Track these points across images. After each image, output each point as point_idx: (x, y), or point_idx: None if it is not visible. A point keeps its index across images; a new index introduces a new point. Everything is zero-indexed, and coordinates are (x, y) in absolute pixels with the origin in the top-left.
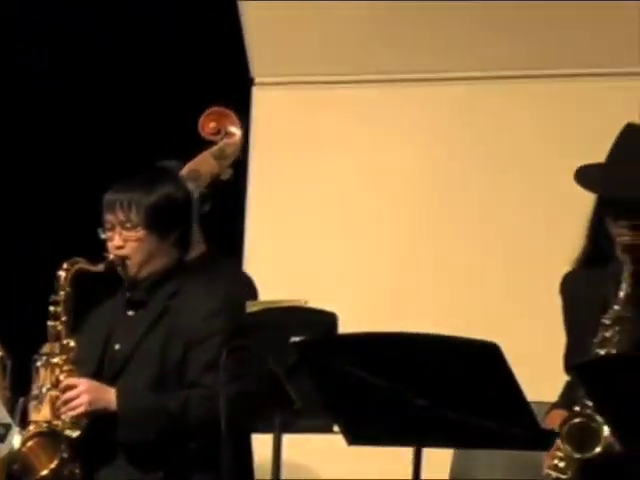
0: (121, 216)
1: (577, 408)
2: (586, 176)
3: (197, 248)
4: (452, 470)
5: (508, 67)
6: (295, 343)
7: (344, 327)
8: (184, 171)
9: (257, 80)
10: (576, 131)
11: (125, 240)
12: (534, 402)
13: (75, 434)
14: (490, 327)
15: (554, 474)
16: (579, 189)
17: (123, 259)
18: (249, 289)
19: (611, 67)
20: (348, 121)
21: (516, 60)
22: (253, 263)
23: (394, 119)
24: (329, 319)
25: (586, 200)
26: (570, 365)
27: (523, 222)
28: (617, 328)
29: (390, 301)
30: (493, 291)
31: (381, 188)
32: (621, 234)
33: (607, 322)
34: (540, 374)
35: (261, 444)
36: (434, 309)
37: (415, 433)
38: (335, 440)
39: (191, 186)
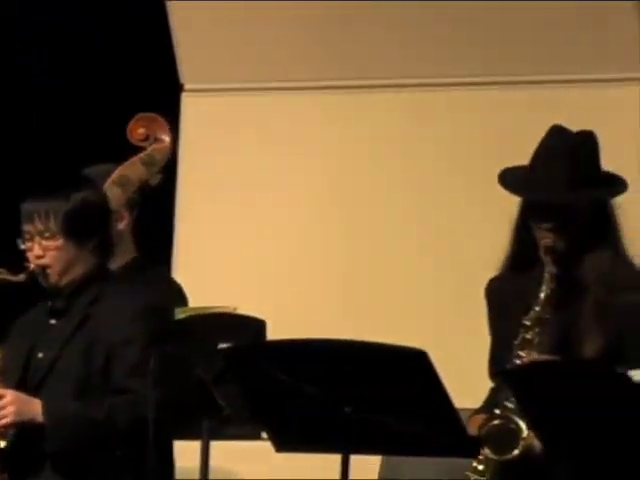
0: (40, 226)
1: (497, 411)
2: (510, 179)
3: (126, 254)
4: (381, 471)
5: (434, 75)
6: (222, 349)
7: (273, 334)
8: (113, 177)
9: (186, 87)
10: (508, 136)
11: (45, 249)
12: (462, 409)
13: (2, 445)
14: (418, 334)
15: (473, 476)
16: (505, 192)
17: (44, 268)
18: (178, 296)
19: (550, 74)
20: (276, 127)
21: (446, 67)
22: (182, 269)
23: (319, 124)
24: (257, 325)
25: (513, 203)
26: (495, 371)
27: (450, 226)
28: (537, 329)
29: (320, 307)
30: (422, 297)
31: (309, 191)
32: (544, 237)
33: (527, 323)
34: (469, 381)
35: (189, 451)
36: (362, 315)
37: (343, 440)
38: (263, 447)
39: (119, 191)
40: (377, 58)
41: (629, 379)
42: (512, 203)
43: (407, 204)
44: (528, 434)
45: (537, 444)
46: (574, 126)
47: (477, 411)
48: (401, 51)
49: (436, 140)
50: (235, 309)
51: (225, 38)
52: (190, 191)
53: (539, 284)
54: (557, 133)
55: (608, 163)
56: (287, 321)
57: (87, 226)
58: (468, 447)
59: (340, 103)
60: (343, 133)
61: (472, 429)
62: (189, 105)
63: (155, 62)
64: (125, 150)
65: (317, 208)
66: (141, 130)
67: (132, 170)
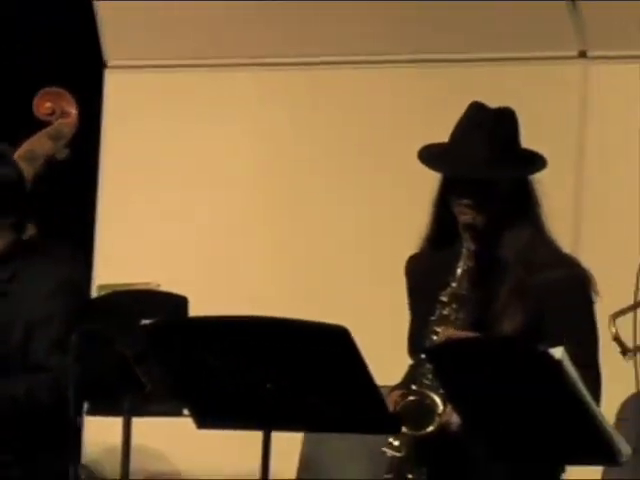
0: None
1: (414, 387)
2: (429, 155)
3: (29, 230)
4: (302, 453)
5: (354, 52)
6: (144, 326)
7: (196, 310)
8: (19, 152)
9: (109, 63)
10: (423, 115)
11: None
12: (384, 386)
13: None
14: (340, 311)
15: (390, 452)
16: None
17: None
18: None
19: (464, 53)
20: (199, 104)
21: (364, 45)
22: (106, 246)
23: (242, 103)
24: (179, 302)
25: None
26: (414, 349)
27: (372, 206)
28: (454, 306)
29: (243, 286)
30: (343, 274)
31: (231, 172)
32: (463, 213)
33: (444, 299)
34: (391, 358)
35: (111, 427)
36: (284, 293)
37: (264, 417)
38: (185, 423)
39: (26, 166)
40: (296, 36)
41: (550, 356)
42: (432, 181)
43: (329, 184)
44: (444, 410)
45: (454, 420)
46: (505, 103)
47: (395, 387)
48: (318, 29)
49: (358, 120)
50: (158, 285)
51: (149, 15)
52: (112, 167)
53: (458, 260)
54: (476, 109)
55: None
56: (209, 298)
57: (5, 203)
58: (389, 424)
59: (261, 81)
60: (267, 112)
61: (389, 405)
62: (112, 82)
63: (78, 39)
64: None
65: (240, 187)
66: (47, 105)
67: (39, 144)
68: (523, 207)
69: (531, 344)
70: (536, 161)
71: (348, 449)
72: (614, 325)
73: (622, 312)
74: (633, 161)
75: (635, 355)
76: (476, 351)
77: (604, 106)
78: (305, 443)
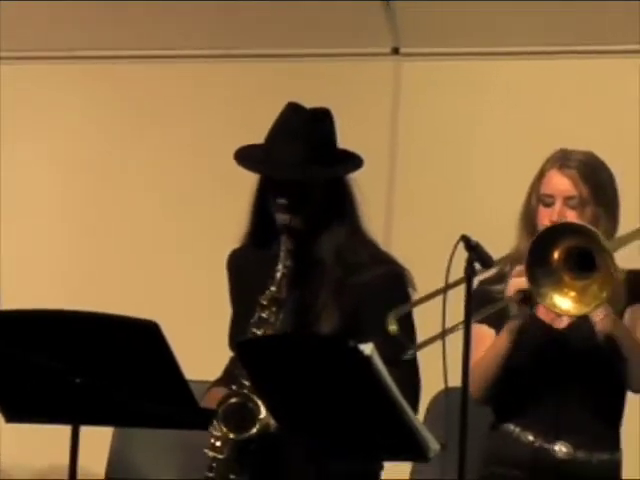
0: None
1: (234, 387)
2: (246, 156)
3: None
4: (111, 449)
5: (168, 47)
6: None
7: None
8: None
9: None
10: (240, 112)
11: None
12: (196, 381)
13: None
14: (154, 306)
15: (211, 453)
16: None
17: None
18: None
19: (270, 48)
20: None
21: (176, 40)
22: None
23: (51, 96)
24: None
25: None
26: (233, 343)
27: (191, 198)
28: (273, 309)
29: (54, 280)
30: (157, 269)
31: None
32: (280, 213)
33: (264, 302)
34: (205, 353)
35: None
36: (97, 286)
37: (73, 411)
38: None
39: None
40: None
41: (360, 352)
42: (253, 178)
43: (148, 180)
44: (266, 413)
45: (272, 422)
46: (318, 100)
47: (215, 383)
48: (118, 24)
49: (182, 114)
50: None
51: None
52: None
53: (277, 262)
54: (292, 110)
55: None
56: (18, 293)
57: None
58: (198, 419)
59: (84, 74)
60: (86, 104)
61: (210, 402)
62: None
63: None
64: None
65: (58, 176)
66: None
67: None
68: (340, 207)
69: (341, 340)
70: (352, 161)
71: (161, 446)
72: (394, 323)
73: (401, 310)
74: (444, 156)
75: (444, 352)
76: (286, 347)
77: (416, 102)
78: (115, 439)
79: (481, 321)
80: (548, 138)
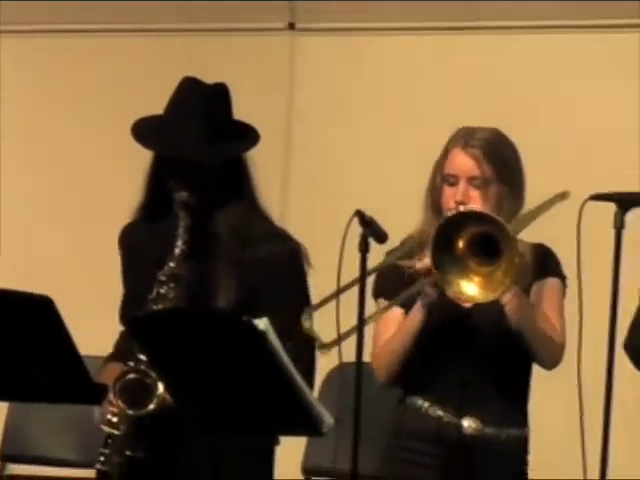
0: None
1: (131, 363)
2: (141, 131)
3: None
4: (6, 425)
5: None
6: None
7: None
8: None
9: None
10: (135, 86)
11: None
12: (91, 356)
13: None
14: (51, 281)
15: (108, 429)
16: None
17: None
18: None
19: (159, 23)
20: None
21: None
22: None
23: None
24: None
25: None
26: (125, 319)
27: (82, 175)
28: (172, 285)
29: None
30: (57, 244)
31: None
32: (177, 191)
33: (162, 279)
34: (100, 328)
35: None
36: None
37: None
38: None
39: None
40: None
41: (254, 327)
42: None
43: (53, 152)
44: (163, 388)
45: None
46: (215, 75)
47: (109, 358)
48: None
49: (84, 87)
50: None
51: None
52: None
53: (175, 237)
54: (189, 85)
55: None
56: None
57: None
58: (91, 394)
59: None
60: None
61: (108, 378)
62: None
63: None
64: None
65: None
66: None
67: None
68: (237, 184)
69: (236, 315)
70: (248, 137)
71: (57, 422)
72: (309, 319)
73: (319, 305)
74: (340, 132)
75: (338, 327)
76: (180, 322)
77: (311, 77)
78: (10, 414)
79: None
80: (446, 113)
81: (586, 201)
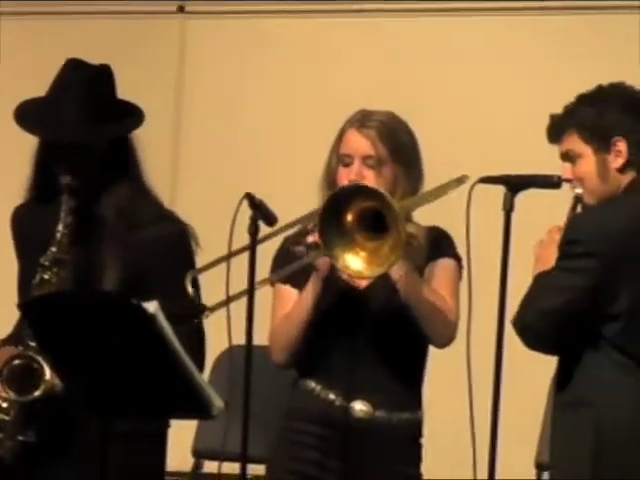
0: None
1: (21, 348)
2: (24, 115)
3: None
4: None
5: None
6: None
7: None
8: None
9: None
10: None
11: None
12: None
13: None
14: None
15: None
16: None
17: None
18: None
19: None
20: None
21: None
22: None
23: None
24: None
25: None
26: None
27: None
28: (55, 269)
29: None
30: None
31: None
32: (61, 174)
33: (45, 264)
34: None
35: None
36: None
37: None
38: None
39: None
40: None
41: (144, 310)
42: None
43: None
44: (51, 374)
45: (58, 382)
46: (104, 58)
47: (4, 341)
48: None
49: None
50: None
51: None
52: None
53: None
54: (72, 67)
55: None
56: None
57: None
58: None
59: None
60: None
61: None
62: None
63: None
64: None
65: None
66: None
67: None
68: (122, 165)
69: (125, 297)
70: (133, 117)
71: None
72: (190, 285)
73: (198, 271)
74: (229, 114)
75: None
76: (70, 305)
77: (201, 60)
78: None
79: (284, 281)
80: (338, 97)
81: (475, 183)
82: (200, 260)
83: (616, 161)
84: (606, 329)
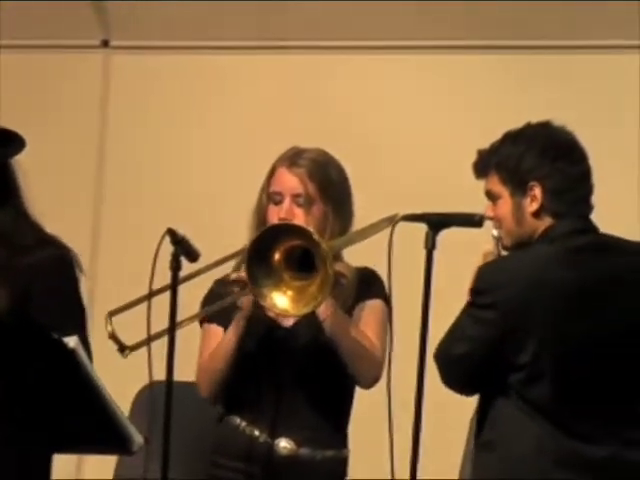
0: None
1: None
2: None
3: None
4: None
5: None
6: None
7: None
8: None
9: None
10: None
11: None
12: None
13: None
14: None
15: None
16: None
17: None
18: None
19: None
20: None
21: None
22: None
23: None
24: None
25: None
26: None
27: None
28: None
29: None
30: None
31: None
32: None
33: None
34: None
35: None
36: None
37: None
38: None
39: None
40: None
41: (64, 345)
42: None
43: None
44: None
45: None
46: (27, 93)
47: None
48: None
49: None
50: None
51: None
52: None
53: None
54: None
55: None
56: None
57: None
58: None
59: None
60: None
61: None
62: None
63: None
64: None
65: None
66: None
67: None
68: (4, 191)
69: (44, 331)
70: (12, 143)
71: None
72: (110, 323)
73: (119, 310)
74: (153, 148)
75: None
76: None
77: (125, 95)
78: None
79: (210, 320)
80: (267, 132)
81: (397, 221)
82: (126, 296)
83: (531, 206)
84: (512, 378)
